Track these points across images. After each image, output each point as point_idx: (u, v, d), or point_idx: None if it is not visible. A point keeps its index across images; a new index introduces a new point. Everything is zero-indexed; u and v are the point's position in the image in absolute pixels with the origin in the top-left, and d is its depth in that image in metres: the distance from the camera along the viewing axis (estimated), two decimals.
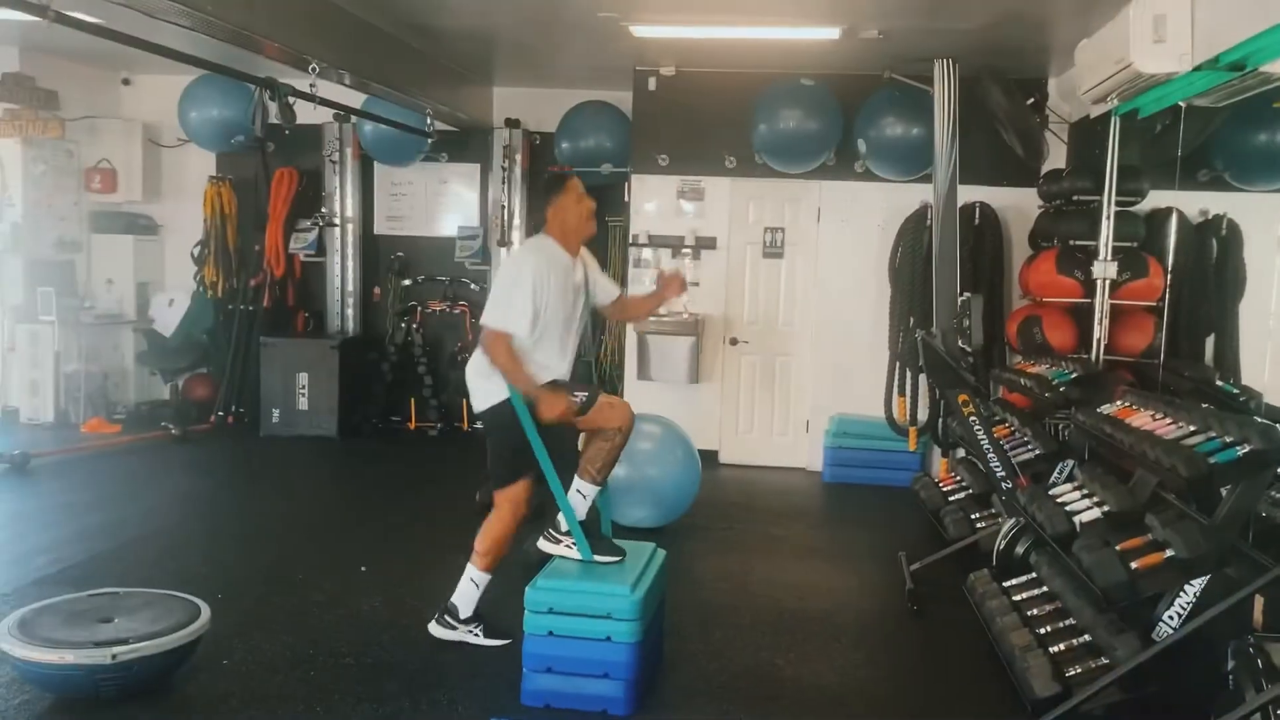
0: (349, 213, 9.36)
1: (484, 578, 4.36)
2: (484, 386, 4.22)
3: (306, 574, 5.36)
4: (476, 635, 4.36)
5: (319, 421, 8.76)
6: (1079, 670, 3.71)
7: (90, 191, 9.40)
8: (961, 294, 5.29)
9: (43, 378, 8.88)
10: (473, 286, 9.28)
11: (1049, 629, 4.07)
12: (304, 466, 8.10)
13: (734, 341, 8.30)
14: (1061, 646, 3.90)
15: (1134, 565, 3.61)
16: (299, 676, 4.09)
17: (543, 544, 4.21)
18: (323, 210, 9.30)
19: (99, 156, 9.40)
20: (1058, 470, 5.53)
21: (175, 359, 9.43)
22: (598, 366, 9.02)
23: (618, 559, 4.12)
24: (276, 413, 8.80)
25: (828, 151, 7.78)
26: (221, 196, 9.49)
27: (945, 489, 6.54)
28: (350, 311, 9.44)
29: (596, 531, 4.24)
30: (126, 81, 9.73)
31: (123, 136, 9.46)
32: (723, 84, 8.03)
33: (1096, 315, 6.36)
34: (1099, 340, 6.38)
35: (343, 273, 9.40)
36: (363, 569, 5.42)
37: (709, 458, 8.23)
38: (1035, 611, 4.27)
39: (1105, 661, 3.69)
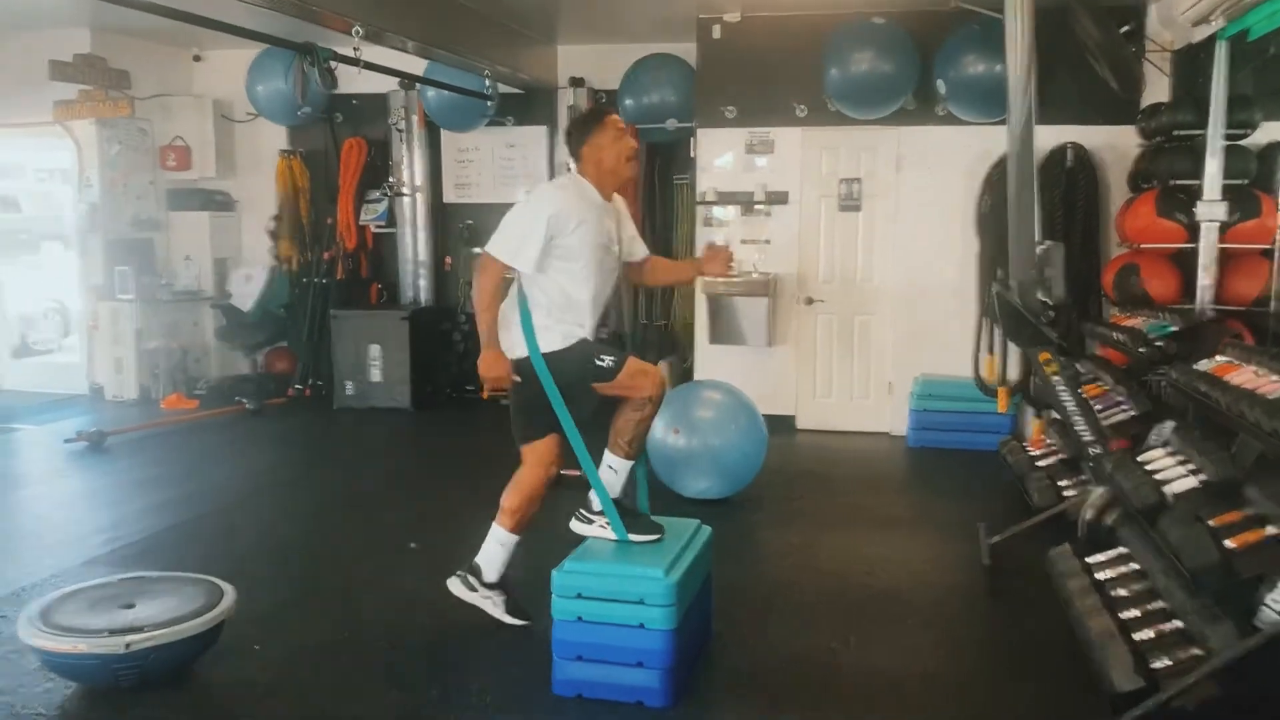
0: (418, 181, 9.21)
1: (511, 539, 4.08)
2: (509, 339, 3.91)
3: (357, 551, 5.24)
4: (496, 605, 4.11)
5: (392, 393, 8.69)
6: (1168, 662, 3.29)
7: (165, 169, 9.46)
8: (1041, 242, 4.84)
9: (125, 355, 9.00)
10: None
11: (1136, 613, 3.63)
12: (374, 439, 8.03)
13: (810, 301, 7.90)
14: (1149, 634, 3.47)
15: (1229, 543, 3.18)
16: (328, 663, 3.94)
17: (575, 525, 3.94)
18: (390, 180, 9.19)
19: (173, 134, 9.44)
20: (1154, 433, 5.05)
21: (254, 334, 9.48)
22: (669, 332, 8.72)
23: (656, 537, 3.84)
24: (350, 385, 8.77)
25: (904, 95, 7.28)
26: (293, 170, 9.46)
27: (1033, 454, 6.07)
28: (422, 282, 9.32)
29: (633, 508, 3.97)
30: (198, 58, 9.74)
31: (195, 113, 9.49)
32: (790, 27, 7.59)
33: (1201, 261, 5.83)
34: (1205, 288, 5.85)
35: (414, 243, 9.28)
36: (412, 546, 5.26)
37: (786, 423, 7.92)
38: (1122, 592, 3.83)
39: (1198, 652, 3.27)
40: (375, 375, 8.72)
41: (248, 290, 9.59)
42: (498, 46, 8.00)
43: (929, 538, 5.48)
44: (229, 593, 3.92)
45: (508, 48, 8.18)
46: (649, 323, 8.79)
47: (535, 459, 4.05)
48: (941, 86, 7.15)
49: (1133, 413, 5.13)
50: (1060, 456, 5.84)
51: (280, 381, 9.40)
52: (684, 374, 8.33)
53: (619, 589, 3.58)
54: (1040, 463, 5.90)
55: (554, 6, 7.78)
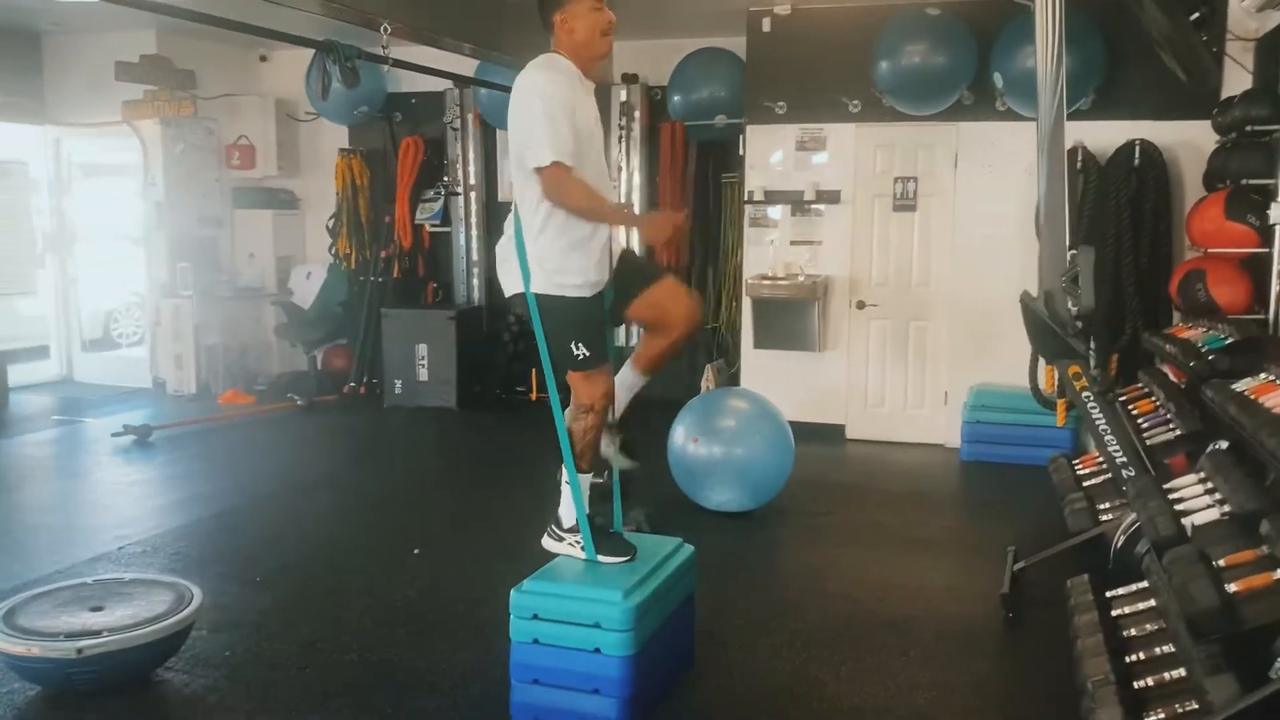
0: (472, 180, 9.17)
1: (584, 479, 3.70)
2: (505, 271, 3.60)
3: (361, 555, 5.17)
4: (574, 545, 3.69)
5: (439, 392, 8.66)
6: (1161, 715, 2.96)
7: (230, 168, 9.61)
8: (1070, 248, 4.49)
9: (185, 351, 9.17)
10: None
11: (1141, 656, 3.30)
12: (414, 439, 7.99)
13: (861, 305, 7.57)
14: (1149, 681, 3.14)
15: (1233, 587, 2.83)
16: (294, 674, 3.84)
17: (546, 542, 3.75)
18: (444, 178, 9.16)
19: (238, 133, 9.59)
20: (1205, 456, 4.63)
21: (312, 331, 9.55)
22: (716, 335, 8.49)
23: (626, 558, 3.64)
24: (399, 384, 8.77)
25: (958, 88, 6.90)
26: (352, 169, 9.50)
27: (1081, 472, 5.64)
28: (476, 281, 9.27)
29: (606, 526, 3.77)
30: (263, 58, 9.88)
31: (259, 112, 9.62)
32: (842, 20, 7.28)
33: (1274, 268, 5.34)
34: (1277, 297, 5.36)
35: (467, 242, 9.24)
36: (415, 552, 5.16)
37: (835, 433, 7.62)
38: (1133, 632, 3.49)
39: (1195, 706, 2.92)
40: (423, 374, 8.70)
41: (308, 288, 9.69)
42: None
43: (955, 562, 5.14)
44: (195, 598, 3.86)
45: None
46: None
47: (586, 393, 3.59)
48: (998, 79, 6.75)
49: (1179, 432, 4.72)
50: (1109, 476, 5.42)
51: (338, 378, 9.46)
52: (731, 379, 8.09)
53: (574, 611, 3.39)
54: (1086, 482, 5.49)
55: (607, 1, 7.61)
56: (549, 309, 3.49)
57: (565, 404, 3.65)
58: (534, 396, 8.93)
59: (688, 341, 3.60)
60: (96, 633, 3.55)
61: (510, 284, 3.59)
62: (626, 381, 3.73)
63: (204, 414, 8.37)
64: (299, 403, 8.65)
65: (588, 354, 3.52)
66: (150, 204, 9.18)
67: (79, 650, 3.47)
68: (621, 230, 3.66)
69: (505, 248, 3.60)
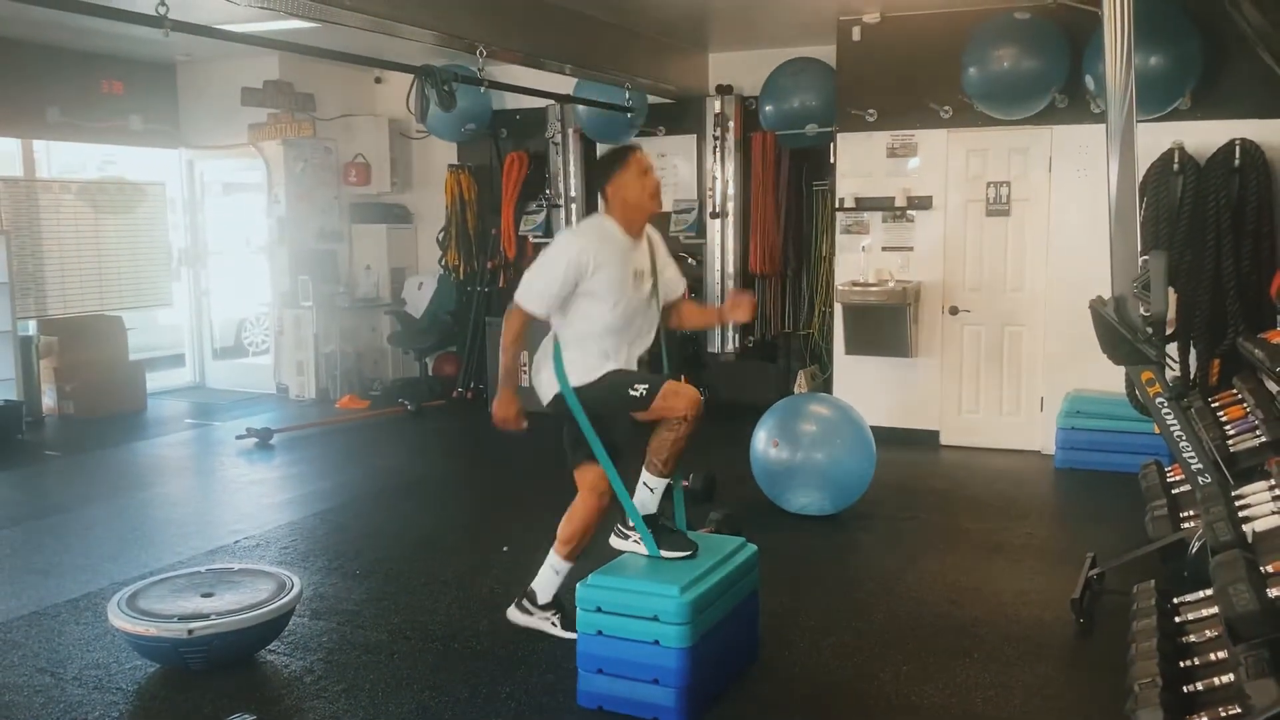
0: (572, 193, 9.46)
1: (565, 566, 4.18)
2: (541, 379, 4.08)
3: (450, 552, 5.46)
4: (554, 625, 4.19)
5: (538, 398, 8.91)
6: (1204, 718, 2.98)
7: (348, 184, 10.13)
8: (1142, 254, 4.46)
9: (306, 358, 9.71)
10: (690, 261, 9.04)
11: (1196, 661, 3.31)
12: (512, 442, 8.10)
13: (954, 310, 7.55)
14: (1199, 686, 3.16)
15: (1275, 592, 2.84)
16: (383, 659, 4.13)
17: (613, 540, 3.97)
18: (546, 191, 9.48)
19: (354, 152, 10.10)
20: None
21: (423, 339, 10.00)
22: (808, 342, 8.57)
23: (687, 554, 3.82)
24: None
25: (1049, 92, 6.85)
26: (461, 183, 9.92)
27: (1172, 479, 5.56)
28: None
29: (669, 525, 3.96)
30: (379, 80, 10.36)
31: (374, 132, 10.12)
32: (931, 27, 7.30)
33: None
34: None
35: None
36: (504, 549, 5.43)
37: (929, 439, 7.63)
38: (1193, 638, 3.50)
39: (1237, 710, 2.93)
40: (524, 380, 8.96)
41: (420, 297, 10.15)
42: (648, 60, 8.18)
43: (1033, 567, 5.14)
44: (295, 587, 4.18)
45: (658, 60, 8.33)
46: (792, 331, 8.67)
47: (587, 487, 4.10)
48: (1090, 82, 6.67)
49: (1265, 438, 4.64)
50: None
51: (448, 384, 9.88)
52: (824, 385, 8.16)
53: (634, 605, 3.58)
54: (1176, 490, 5.41)
55: (705, 16, 7.81)
56: (593, 391, 3.88)
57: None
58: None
59: (694, 429, 3.80)
60: (205, 616, 3.89)
61: (546, 389, 4.01)
62: (654, 489, 3.90)
63: (321, 418, 8.85)
64: (408, 408, 9.06)
65: (647, 387, 3.81)
66: (274, 220, 9.77)
67: (189, 631, 3.82)
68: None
69: (542, 358, 4.03)
